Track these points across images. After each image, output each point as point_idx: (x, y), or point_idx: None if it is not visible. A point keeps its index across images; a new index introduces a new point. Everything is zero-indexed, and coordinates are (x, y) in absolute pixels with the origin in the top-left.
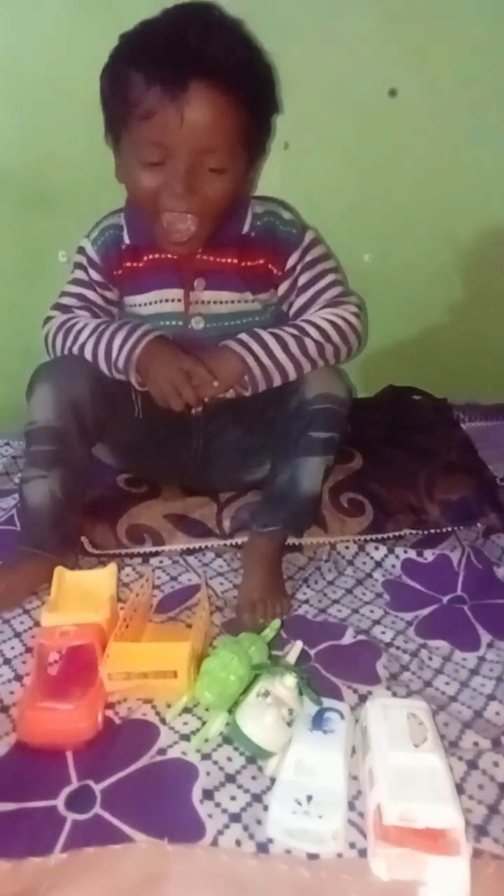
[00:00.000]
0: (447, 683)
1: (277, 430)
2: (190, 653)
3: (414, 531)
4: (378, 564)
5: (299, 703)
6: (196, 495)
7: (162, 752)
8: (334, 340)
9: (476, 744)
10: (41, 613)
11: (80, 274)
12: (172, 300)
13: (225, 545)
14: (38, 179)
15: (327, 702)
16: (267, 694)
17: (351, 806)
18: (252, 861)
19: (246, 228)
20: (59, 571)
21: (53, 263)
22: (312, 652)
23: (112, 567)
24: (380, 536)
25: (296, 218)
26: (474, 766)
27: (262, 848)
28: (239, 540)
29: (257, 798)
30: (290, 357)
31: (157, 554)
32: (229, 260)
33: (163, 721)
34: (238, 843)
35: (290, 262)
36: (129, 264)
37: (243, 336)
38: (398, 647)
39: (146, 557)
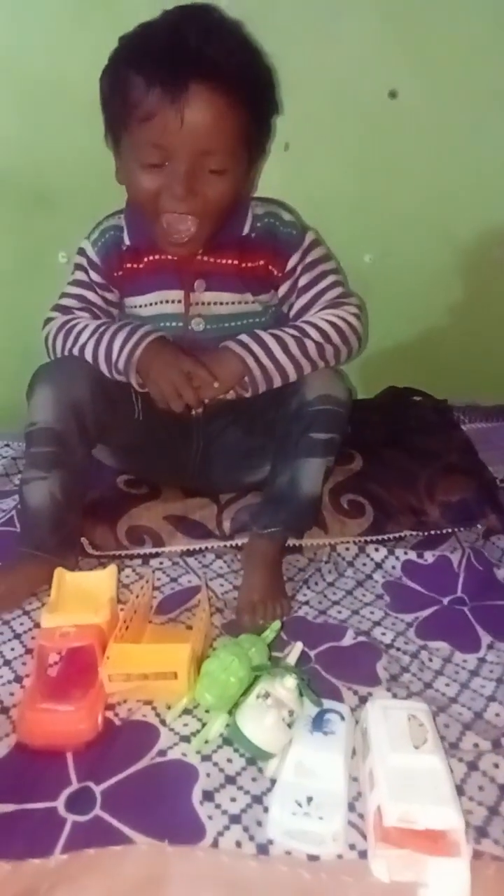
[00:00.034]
0: (447, 685)
1: (278, 431)
2: (190, 654)
3: (414, 532)
4: (378, 566)
5: (299, 704)
6: (196, 497)
7: (162, 753)
8: (335, 341)
9: (476, 745)
10: (41, 615)
11: (80, 275)
12: (173, 301)
13: (225, 546)
14: (39, 180)
15: (327, 703)
16: (267, 695)
17: (351, 807)
18: (252, 862)
19: (246, 230)
20: (59, 573)
21: (53, 264)
22: (313, 653)
23: (112, 568)
24: (380, 538)
25: (296, 219)
26: (474, 768)
27: (263, 849)
28: (239, 541)
29: (257, 799)
30: (290, 358)
31: (157, 555)
32: (229, 261)
33: (163, 722)
34: (238, 844)
35: (291, 264)
36: (129, 265)
37: (243, 337)
38: (398, 649)
39: (146, 559)
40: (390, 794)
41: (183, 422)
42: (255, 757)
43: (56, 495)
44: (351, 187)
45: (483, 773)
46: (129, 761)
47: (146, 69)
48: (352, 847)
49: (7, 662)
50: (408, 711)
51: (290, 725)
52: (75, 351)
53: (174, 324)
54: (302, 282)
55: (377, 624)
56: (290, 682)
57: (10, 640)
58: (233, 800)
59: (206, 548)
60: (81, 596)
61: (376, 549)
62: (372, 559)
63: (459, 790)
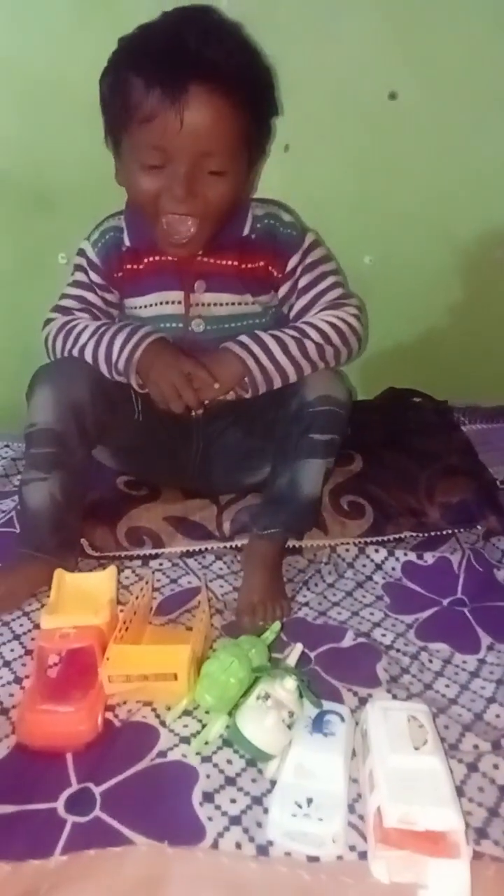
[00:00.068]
0: (447, 686)
1: (278, 432)
2: (190, 655)
3: (414, 534)
4: (378, 567)
5: (299, 705)
6: (196, 498)
7: (162, 754)
8: (335, 342)
9: (476, 746)
10: (41, 616)
11: (80, 276)
12: (173, 302)
13: (225, 548)
14: (39, 180)
15: (327, 704)
16: (267, 697)
17: (351, 808)
18: (252, 864)
19: (246, 231)
20: (59, 574)
21: (53, 265)
22: (312, 654)
23: (112, 569)
24: (380, 539)
25: (296, 220)
26: (474, 769)
27: (263, 850)
28: (239, 542)
29: (257, 801)
30: (290, 359)
31: (156, 556)
32: (229, 262)
33: (163, 724)
34: (238, 845)
35: (291, 265)
36: (129, 266)
37: (244, 338)
38: (398, 650)
39: (146, 560)
40: (390, 795)
41: (183, 423)
42: (255, 758)
43: (56, 496)
44: (351, 188)
45: (483, 775)
46: (129, 762)
47: (146, 71)
48: (352, 848)
49: (7, 663)
50: (408, 713)
51: (289, 727)
52: (75, 352)
53: (174, 325)
54: (302, 283)
55: (377, 625)
56: (290, 683)
57: (9, 641)
58: (233, 801)
59: (206, 549)
60: (81, 597)
61: (376, 551)
62: (372, 560)
63: (459, 791)
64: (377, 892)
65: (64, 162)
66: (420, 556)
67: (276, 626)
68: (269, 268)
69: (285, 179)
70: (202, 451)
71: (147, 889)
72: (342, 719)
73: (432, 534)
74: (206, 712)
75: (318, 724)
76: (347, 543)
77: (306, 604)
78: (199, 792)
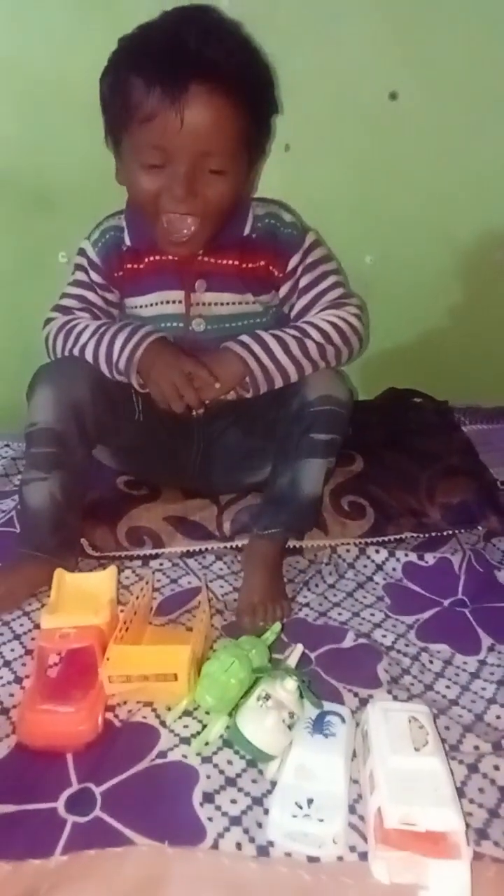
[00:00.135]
0: (448, 687)
1: (278, 432)
2: (190, 656)
3: (415, 534)
4: (379, 567)
5: (300, 706)
6: (196, 498)
7: (162, 754)
8: (335, 342)
9: (477, 747)
10: (41, 616)
11: (80, 275)
12: (173, 302)
13: (225, 548)
14: (39, 180)
15: (328, 705)
16: (268, 697)
17: (351, 809)
18: (252, 864)
19: (247, 230)
20: (59, 574)
21: (54, 265)
22: (313, 655)
23: (112, 569)
24: (381, 539)
25: (297, 220)
26: (475, 770)
27: (263, 851)
28: (239, 542)
29: (258, 801)
30: (291, 359)
31: (157, 556)
32: (230, 262)
33: (163, 724)
34: (238, 846)
35: (292, 264)
36: (129, 266)
37: (244, 338)
38: (399, 651)
39: (146, 560)
40: (391, 796)
41: (183, 423)
42: (256, 759)
43: (56, 496)
44: (351, 188)
45: (483, 776)
46: (130, 763)
47: (146, 70)
48: (352, 849)
49: (7, 663)
50: (408, 713)
51: (290, 727)
52: (76, 351)
53: (175, 324)
54: (303, 282)
55: (378, 626)
56: (291, 683)
57: (9, 640)
58: (233, 801)
59: (207, 549)
60: (81, 597)
61: (377, 551)
62: (372, 561)
63: (460, 792)
64: (378, 892)
65: (64, 162)
66: (421, 557)
67: (277, 626)
68: (270, 267)
69: (286, 179)
70: (203, 450)
71: (147, 889)
72: (343, 720)
73: (433, 534)
74: (207, 713)
75: (319, 724)
76: (348, 544)
77: (307, 604)
78: (199, 792)
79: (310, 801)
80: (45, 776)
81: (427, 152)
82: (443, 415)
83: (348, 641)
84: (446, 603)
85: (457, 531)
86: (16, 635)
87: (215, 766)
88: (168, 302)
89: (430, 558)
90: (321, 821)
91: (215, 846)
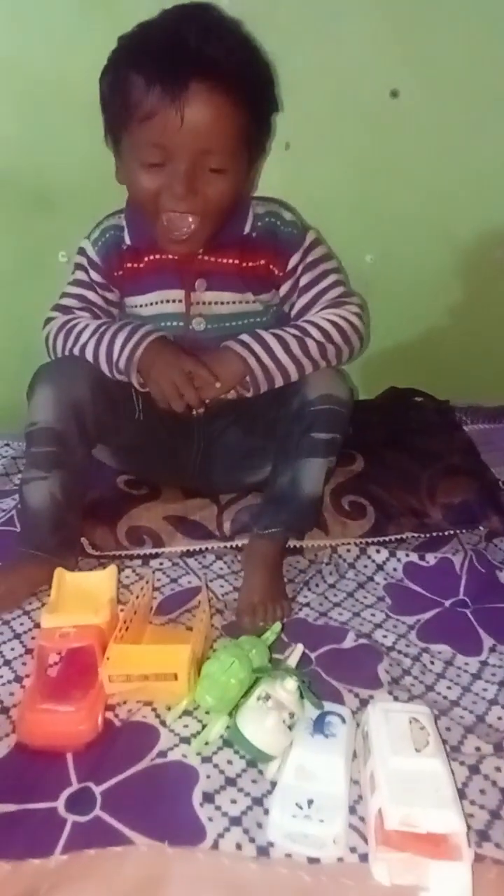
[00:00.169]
0: (449, 688)
1: (279, 431)
2: (190, 655)
3: (416, 534)
4: (380, 568)
5: (300, 706)
6: (196, 497)
7: (162, 754)
8: (336, 341)
9: (478, 749)
10: (41, 615)
11: (80, 275)
12: (173, 301)
13: (225, 547)
14: (39, 180)
15: (328, 706)
16: (268, 697)
17: (352, 810)
18: (252, 865)
19: (247, 229)
20: (59, 573)
21: (54, 264)
22: (313, 655)
23: (112, 569)
24: (381, 539)
25: (297, 218)
26: (476, 771)
27: (263, 852)
28: (239, 542)
29: (258, 801)
30: (291, 358)
31: (157, 556)
32: (230, 260)
33: (163, 724)
34: (238, 846)
35: (292, 263)
36: (129, 265)
37: (245, 337)
38: (400, 651)
39: (146, 559)
40: (391, 797)
41: (184, 422)
42: (256, 759)
43: (56, 495)
44: (352, 187)
45: (485, 777)
46: (130, 762)
47: (146, 68)
48: (353, 850)
49: (7, 662)
50: (409, 714)
51: (290, 728)
52: (76, 351)
53: (175, 323)
54: (303, 281)
55: (378, 626)
56: (291, 684)
57: (10, 640)
58: (233, 801)
59: (207, 548)
60: (81, 596)
61: (377, 551)
62: (373, 561)
63: (461, 794)
64: (378, 894)
65: (64, 161)
66: (422, 557)
67: (277, 626)
68: (270, 266)
69: (286, 178)
70: (203, 450)
71: (147, 889)
72: (343, 721)
73: (434, 534)
74: (207, 712)
75: (319, 725)
76: (349, 544)
77: (307, 604)
78: (199, 792)
79: (310, 802)
80: (45, 776)
81: (427, 150)
82: (444, 414)
83: (349, 642)
84: (447, 603)
85: (458, 531)
86: (16, 634)
87: (215, 765)
88: (168, 301)
89: (432, 558)
90: (321, 822)
91: (215, 846)
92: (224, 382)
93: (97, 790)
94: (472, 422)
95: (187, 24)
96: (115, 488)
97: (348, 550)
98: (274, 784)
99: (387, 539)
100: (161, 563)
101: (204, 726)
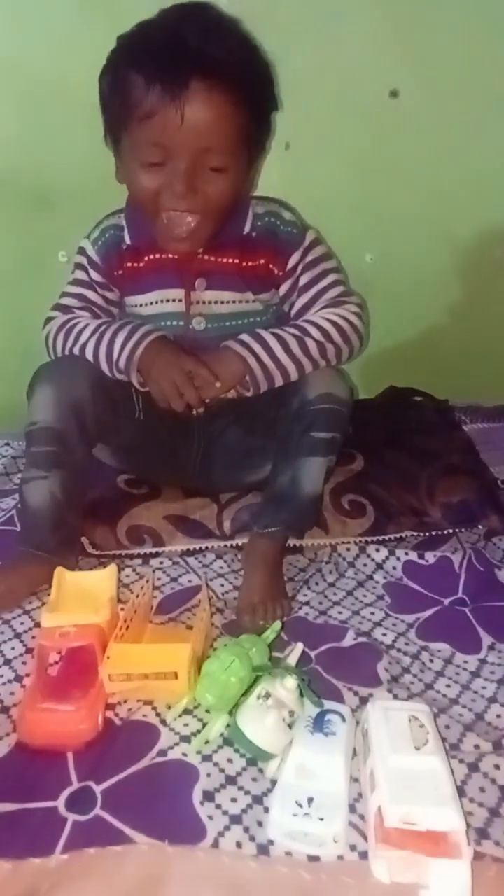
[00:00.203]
0: (448, 686)
1: (279, 430)
2: (190, 654)
3: (415, 533)
4: (379, 566)
5: (300, 705)
6: (196, 496)
7: (162, 753)
8: (336, 340)
9: (477, 746)
10: (41, 614)
11: (80, 274)
12: (173, 300)
13: (225, 546)
14: (39, 180)
15: (328, 704)
16: (268, 696)
17: (352, 808)
18: (252, 863)
19: (247, 229)
20: (60, 572)
21: (54, 264)
22: (313, 654)
23: (112, 568)
24: (381, 538)
25: (296, 218)
26: (475, 769)
27: (263, 850)
28: (239, 541)
29: (258, 800)
30: (291, 357)
31: (157, 555)
32: (230, 260)
33: (163, 722)
34: (239, 845)
35: (292, 262)
36: (129, 265)
37: (245, 337)
38: (399, 650)
39: (146, 558)
40: (391, 795)
41: (184, 421)
42: (256, 757)
43: (56, 495)
44: (352, 187)
45: (484, 775)
46: (130, 761)
47: (146, 68)
48: (352, 848)
49: (7, 662)
50: (409, 713)
51: (290, 726)
52: (76, 350)
53: (175, 323)
54: (303, 280)
55: (378, 625)
56: (291, 682)
57: (10, 639)
58: (233, 800)
59: (207, 547)
60: (81, 595)
61: (377, 550)
62: (373, 560)
63: (460, 791)
64: (378, 892)
65: (64, 161)
66: (421, 556)
67: (277, 625)
68: (270, 266)
69: (286, 178)
70: (203, 449)
71: (147, 888)
72: (343, 719)
73: (433, 533)
74: (207, 711)
75: (319, 723)
76: (348, 542)
77: (307, 603)
78: (199, 791)
79: (310, 800)
80: (46, 775)
81: (427, 150)
82: (443, 414)
83: (348, 640)
84: (447, 602)
85: (457, 530)
86: (16, 633)
87: (215, 764)
88: (168, 300)
89: (431, 557)
90: (321, 820)
91: (215, 845)
92: (224, 382)
93: (97, 789)
94: (472, 421)
95: (187, 24)
96: (116, 488)
97: (348, 549)
98: (274, 782)
99: (386, 538)
100: (161, 563)
101: (204, 725)
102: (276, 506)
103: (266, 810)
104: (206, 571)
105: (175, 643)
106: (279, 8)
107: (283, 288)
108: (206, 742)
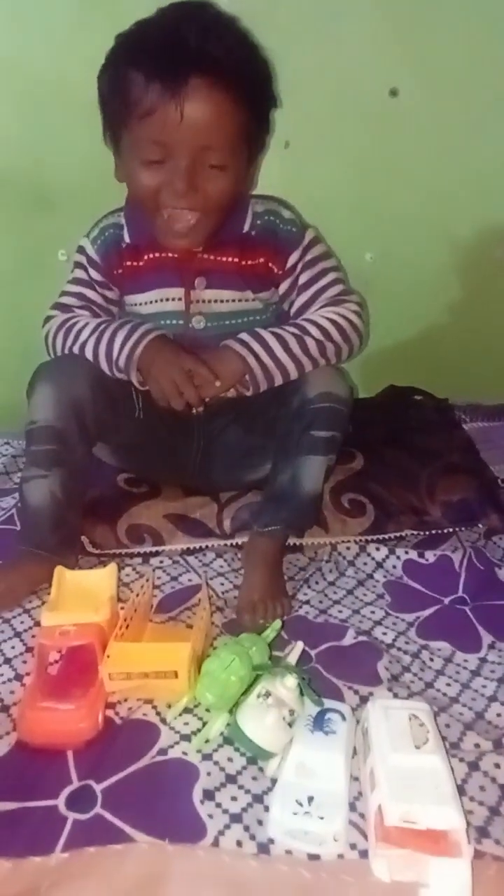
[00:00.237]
0: (448, 685)
1: (279, 429)
2: (190, 653)
3: (415, 532)
4: (379, 565)
5: (300, 703)
6: (196, 495)
7: (163, 752)
8: (335, 339)
9: (477, 745)
10: (41, 613)
11: (79, 273)
12: (173, 299)
13: (225, 545)
14: (39, 180)
15: (328, 703)
16: (268, 695)
17: (352, 807)
18: (253, 862)
19: (246, 227)
20: (60, 571)
21: (54, 264)
22: (313, 653)
23: (112, 567)
24: (381, 537)
25: (296, 216)
26: (476, 768)
27: (263, 849)
28: (239, 540)
29: (258, 799)
30: (291, 356)
31: (157, 554)
32: (230, 259)
33: (163, 721)
34: (239, 843)
35: (291, 261)
36: (129, 263)
37: (244, 336)
38: (399, 649)
39: (146, 557)
40: (391, 794)
41: (184, 420)
42: (256, 756)
43: (56, 494)
44: (351, 185)
45: (484, 774)
46: (130, 760)
47: (145, 65)
48: (353, 847)
49: (7, 661)
50: (409, 711)
51: (290, 725)
52: (75, 349)
53: (175, 322)
54: (302, 279)
55: (378, 623)
56: (291, 681)
57: (10, 638)
58: (233, 799)
59: (207, 546)
60: (81, 594)
61: (377, 549)
62: (373, 558)
63: (461, 790)
64: (378, 890)
65: (64, 161)
66: (421, 555)
67: (277, 624)
68: (270, 264)
69: (286, 176)
70: (203, 448)
71: (147, 887)
72: (343, 718)
73: (433, 532)
74: (207, 710)
75: (319, 722)
76: (348, 541)
77: (307, 602)
78: (199, 790)
79: (310, 799)
80: (46, 774)
81: (427, 149)
82: (443, 412)
83: (349, 639)
84: (447, 600)
85: (457, 529)
86: (16, 633)
87: (216, 763)
88: (168, 299)
89: (431, 556)
90: (322, 818)
91: (216, 844)
92: (223, 381)
93: (98, 788)
94: (472, 420)
95: (186, 22)
96: (116, 486)
97: (348, 548)
98: (274, 781)
99: (386, 536)
100: (161, 561)
101: (204, 724)
102: (276, 504)
103: (266, 809)
104: (206, 570)
105: (175, 642)
106: (279, 6)
107: (283, 286)
108: (207, 741)
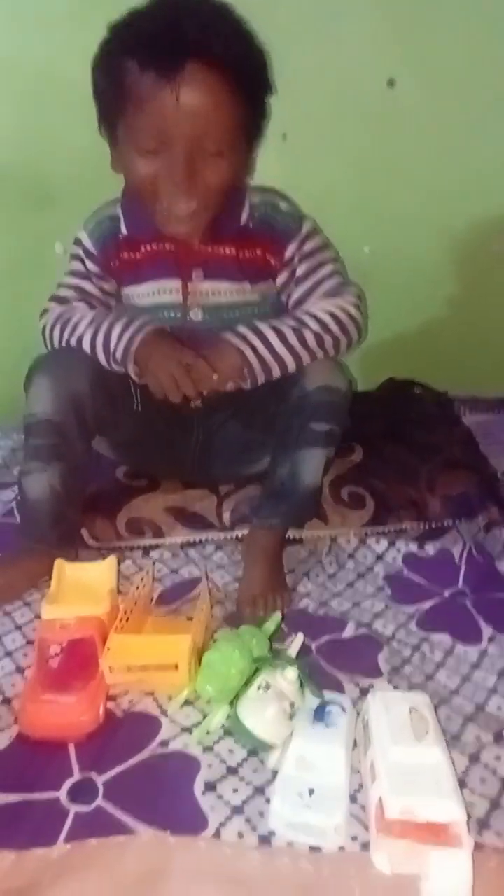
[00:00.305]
0: (449, 677)
1: (278, 423)
2: (191, 645)
3: (415, 524)
4: (379, 558)
5: (300, 696)
6: (196, 488)
7: (164, 744)
8: (334, 331)
9: (478, 738)
10: (42, 606)
11: (77, 265)
12: (171, 291)
13: (225, 538)
14: (37, 175)
15: (329, 695)
16: (268, 687)
17: (353, 799)
18: (254, 854)
19: (244, 219)
20: (60, 564)
21: (52, 258)
22: (314, 645)
23: (112, 560)
24: (381, 530)
25: (293, 208)
26: (476, 760)
27: (265, 840)
28: (239, 532)
29: (259, 790)
30: (289, 349)
31: (157, 547)
32: (227, 251)
33: (164, 714)
34: (240, 835)
35: (289, 253)
36: (126, 255)
37: (242, 329)
38: (400, 641)
39: (146, 550)
40: (392, 786)
41: (182, 414)
42: (257, 748)
43: (56, 487)
44: (350, 178)
45: (485, 766)
46: (131, 752)
47: (140, 53)
48: (354, 839)
49: (8, 654)
50: (409, 704)
51: (291, 717)
52: (73, 342)
53: (172, 314)
54: (300, 271)
55: (378, 616)
56: (291, 673)
57: (10, 631)
58: (235, 791)
59: (207, 539)
60: (82, 588)
61: (377, 541)
62: (373, 551)
63: (461, 782)
64: (379, 882)
65: (62, 156)
66: (421, 547)
67: (277, 616)
68: (267, 256)
69: (284, 168)
70: (202, 442)
71: (149, 878)
72: (343, 710)
73: (433, 525)
74: (208, 702)
75: (320, 714)
76: (348, 534)
77: (307, 594)
78: (200, 782)
79: (311, 792)
80: (48, 766)
81: (426, 142)
82: (443, 406)
83: (349, 631)
84: (447, 593)
85: (457, 522)
86: (17, 626)
87: (217, 755)
88: (165, 291)
89: (431, 549)
90: (322, 811)
91: (217, 835)
92: (221, 375)
93: (99, 780)
94: (471, 413)
95: (179, 9)
96: (115, 480)
97: (348, 541)
98: (275, 773)
99: (386, 529)
100: (161, 554)
101: (205, 716)
102: (275, 498)
103: (267, 801)
104: (207, 563)
105: (175, 634)
106: (278, 1)
107: (281, 278)
108: (207, 733)
